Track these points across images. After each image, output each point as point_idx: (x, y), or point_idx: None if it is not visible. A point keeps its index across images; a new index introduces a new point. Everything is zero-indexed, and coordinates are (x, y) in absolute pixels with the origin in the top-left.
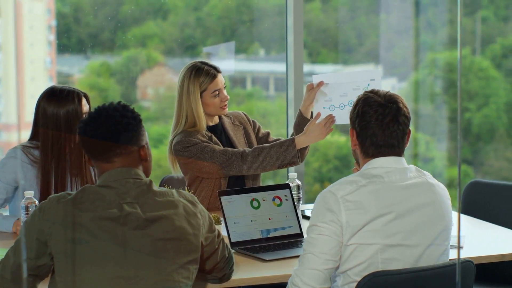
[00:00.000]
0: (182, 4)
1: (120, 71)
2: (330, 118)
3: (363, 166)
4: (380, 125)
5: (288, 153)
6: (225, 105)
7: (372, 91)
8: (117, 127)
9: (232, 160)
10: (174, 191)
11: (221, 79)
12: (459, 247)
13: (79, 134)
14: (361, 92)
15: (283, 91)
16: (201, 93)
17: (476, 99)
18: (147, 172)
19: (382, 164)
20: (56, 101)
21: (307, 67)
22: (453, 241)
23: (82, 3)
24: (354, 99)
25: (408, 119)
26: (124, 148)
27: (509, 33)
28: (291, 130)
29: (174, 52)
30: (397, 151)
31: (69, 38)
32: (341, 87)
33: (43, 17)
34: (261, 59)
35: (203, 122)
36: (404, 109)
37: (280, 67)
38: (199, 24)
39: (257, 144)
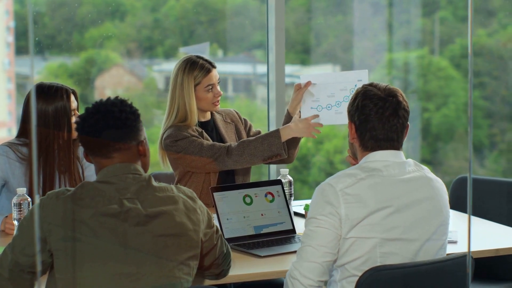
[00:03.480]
0: (139, 5)
1: (78, 72)
2: (316, 119)
3: (362, 160)
4: (380, 118)
5: (273, 145)
6: (218, 101)
7: (371, 84)
8: (116, 122)
9: (218, 154)
10: (173, 186)
11: (215, 74)
12: (469, 240)
13: (77, 130)
14: (348, 93)
15: (241, 92)
16: (194, 86)
17: (435, 99)
18: (145, 168)
19: (380, 157)
20: (45, 97)
21: (264, 68)
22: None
23: (39, 4)
24: (341, 99)
25: (407, 113)
26: (123, 143)
27: (467, 34)
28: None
29: (132, 53)
30: (396, 145)
31: (27, 40)
32: (328, 87)
33: (2, 18)
34: (219, 60)
35: (195, 116)
36: (404, 102)
37: (238, 68)
38: (156, 25)
39: None
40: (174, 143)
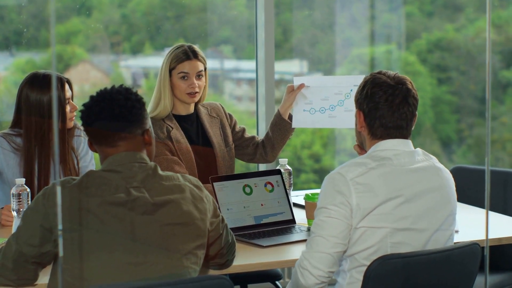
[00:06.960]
0: (106, 0)
1: (45, 68)
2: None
3: (371, 148)
4: (390, 106)
5: None
6: (193, 93)
7: (380, 72)
8: (121, 110)
9: None
10: (179, 175)
11: (194, 64)
12: (487, 227)
13: (81, 119)
14: (343, 98)
15: (208, 88)
16: (171, 70)
17: None
18: (150, 156)
19: (390, 146)
20: (39, 87)
21: (232, 63)
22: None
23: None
24: (335, 103)
25: (416, 101)
26: (129, 132)
27: (434, 29)
28: (261, 128)
29: (99, 49)
30: (405, 133)
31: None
32: (323, 91)
33: None
34: None
35: (167, 103)
36: (413, 90)
37: None
38: (123, 20)
39: (233, 139)
40: None
